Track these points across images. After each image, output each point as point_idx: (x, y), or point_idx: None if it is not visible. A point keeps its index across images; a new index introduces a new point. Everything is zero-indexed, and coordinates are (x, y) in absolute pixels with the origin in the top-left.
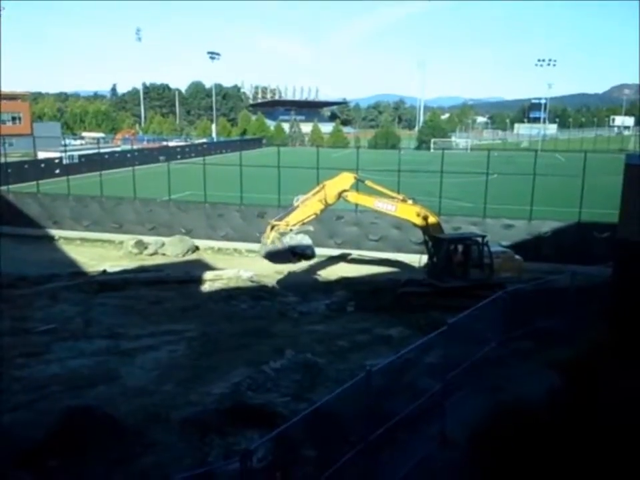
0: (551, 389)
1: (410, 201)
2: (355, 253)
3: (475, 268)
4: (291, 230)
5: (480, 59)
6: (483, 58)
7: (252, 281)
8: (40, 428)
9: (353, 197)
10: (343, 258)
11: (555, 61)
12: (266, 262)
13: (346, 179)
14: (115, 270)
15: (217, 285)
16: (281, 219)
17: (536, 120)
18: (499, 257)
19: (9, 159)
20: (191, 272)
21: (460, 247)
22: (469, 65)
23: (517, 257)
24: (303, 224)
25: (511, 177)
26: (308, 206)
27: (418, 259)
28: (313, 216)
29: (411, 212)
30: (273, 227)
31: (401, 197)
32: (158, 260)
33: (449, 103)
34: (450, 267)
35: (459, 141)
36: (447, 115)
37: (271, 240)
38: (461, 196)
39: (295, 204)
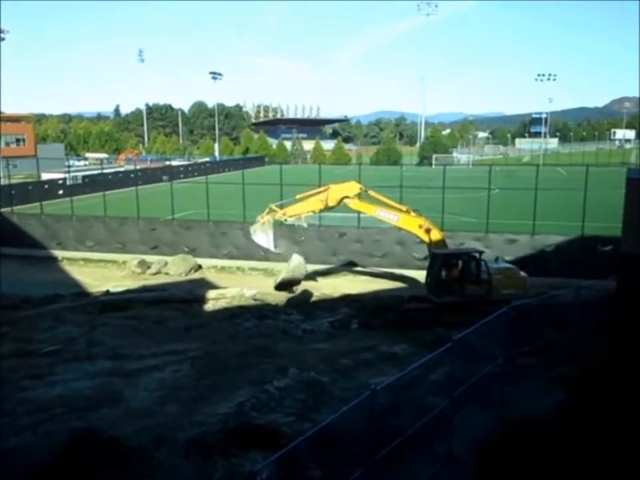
0: (558, 405)
1: (413, 213)
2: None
3: (472, 284)
4: (285, 220)
5: (480, 74)
6: (483, 73)
7: (255, 300)
8: (45, 450)
9: (355, 204)
10: (347, 271)
11: (554, 75)
12: (269, 281)
13: (351, 187)
14: (118, 290)
15: (220, 304)
16: (281, 207)
17: (537, 134)
18: (501, 273)
19: (13, 181)
20: (194, 291)
21: (455, 262)
22: (469, 80)
23: (522, 273)
24: (299, 218)
25: (513, 192)
26: (309, 202)
27: (423, 275)
28: (311, 212)
29: (413, 223)
30: (270, 211)
31: (404, 208)
32: (161, 279)
33: (449, 118)
34: (446, 282)
35: (461, 156)
36: (448, 131)
37: (263, 221)
38: (464, 211)
39: (297, 197)
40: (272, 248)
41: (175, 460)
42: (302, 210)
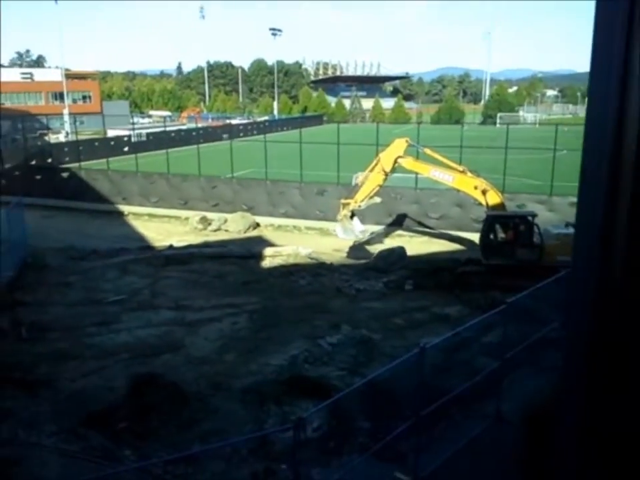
0: None
1: (470, 174)
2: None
3: (523, 247)
4: (359, 207)
5: (550, 29)
6: (553, 28)
7: (310, 258)
8: (109, 393)
9: (408, 163)
10: (400, 227)
11: None
12: (325, 240)
13: (399, 145)
14: (181, 245)
15: (277, 261)
16: (351, 197)
17: None
18: (560, 239)
19: (80, 137)
20: (251, 248)
21: (507, 225)
22: (538, 35)
23: None
24: (370, 198)
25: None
26: (370, 180)
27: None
28: (377, 188)
29: (468, 184)
30: (344, 206)
31: (461, 168)
32: (221, 236)
33: (516, 75)
34: (495, 244)
35: (527, 115)
36: (514, 88)
37: (342, 218)
38: (528, 173)
39: (354, 182)
40: (362, 236)
41: (231, 405)
42: (368, 190)
